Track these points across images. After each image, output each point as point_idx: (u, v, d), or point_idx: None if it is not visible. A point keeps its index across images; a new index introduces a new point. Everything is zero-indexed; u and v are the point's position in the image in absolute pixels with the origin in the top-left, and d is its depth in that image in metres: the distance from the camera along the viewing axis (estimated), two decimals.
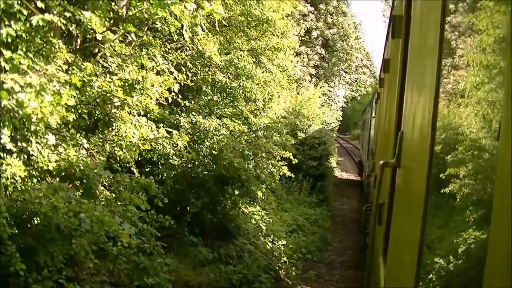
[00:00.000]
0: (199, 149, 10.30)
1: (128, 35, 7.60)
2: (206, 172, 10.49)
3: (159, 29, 8.86)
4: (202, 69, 10.75)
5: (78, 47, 7.61)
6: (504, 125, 1.26)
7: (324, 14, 31.28)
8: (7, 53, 5.35)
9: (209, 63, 10.50)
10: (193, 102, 10.67)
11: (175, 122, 9.88)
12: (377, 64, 34.81)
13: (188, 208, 10.51)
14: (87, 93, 7.04)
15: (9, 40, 5.58)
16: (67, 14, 6.46)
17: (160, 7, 6.69)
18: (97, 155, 7.55)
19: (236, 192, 11.47)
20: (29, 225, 6.06)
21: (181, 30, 7.83)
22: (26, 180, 6.13)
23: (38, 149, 6.24)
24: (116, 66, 7.46)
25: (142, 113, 8.12)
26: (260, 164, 12.04)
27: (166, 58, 8.78)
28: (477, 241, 1.54)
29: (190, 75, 9.18)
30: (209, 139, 10.42)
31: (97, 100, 7.26)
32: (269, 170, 12.50)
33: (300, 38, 27.18)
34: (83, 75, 6.81)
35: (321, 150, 21.40)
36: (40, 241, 5.97)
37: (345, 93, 38.13)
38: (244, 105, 12.07)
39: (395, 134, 4.08)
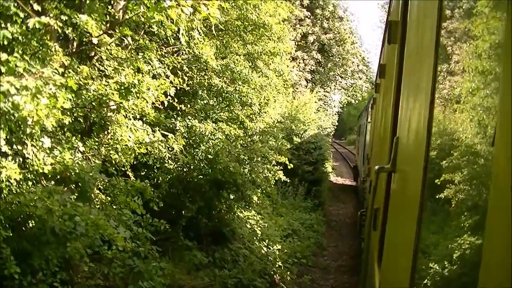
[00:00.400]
0: (194, 153, 10.28)
1: (124, 38, 7.60)
2: (202, 176, 10.47)
3: (155, 32, 8.85)
4: (198, 73, 10.75)
5: (74, 50, 7.60)
6: (499, 130, 1.26)
7: (320, 19, 31.33)
8: (3, 56, 5.34)
9: (205, 67, 10.49)
10: (189, 106, 10.65)
11: (171, 126, 9.87)
12: (373, 69, 34.86)
13: (183, 212, 10.49)
14: (83, 96, 7.03)
15: (5, 42, 5.58)
16: (64, 17, 6.45)
17: (157, 10, 6.69)
18: (93, 158, 7.53)
19: (232, 197, 11.46)
20: (24, 228, 6.04)
21: (178, 34, 7.83)
22: (21, 183, 6.10)
23: (33, 152, 6.22)
24: (112, 70, 7.45)
25: (138, 116, 8.10)
26: (256, 169, 12.03)
27: (162, 62, 8.77)
28: (472, 246, 1.54)
29: (186, 79, 9.19)
30: (204, 143, 10.40)
31: (93, 103, 7.25)
32: (264, 175, 12.49)
33: (296, 43, 27.19)
34: (79, 78, 6.80)
35: (317, 155, 21.41)
36: (35, 244, 5.95)
37: (341, 98, 38.17)
38: (240, 109, 12.07)
39: (390, 139, 4.09)
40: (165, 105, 8.46)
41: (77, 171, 6.59)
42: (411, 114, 2.83)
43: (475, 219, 1.58)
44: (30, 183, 6.31)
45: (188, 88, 9.76)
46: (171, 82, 8.10)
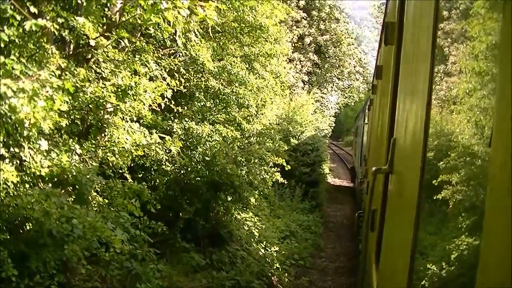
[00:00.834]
0: (192, 155, 10.28)
1: (121, 40, 7.59)
2: (199, 178, 10.48)
3: (152, 35, 8.86)
4: (195, 75, 10.75)
5: (71, 52, 7.59)
6: (496, 131, 1.26)
7: (316, 21, 31.36)
8: (0, 58, 5.34)
9: (202, 69, 10.50)
10: (186, 108, 10.66)
11: (168, 128, 9.87)
12: (370, 70, 34.89)
13: (180, 214, 10.49)
14: (80, 99, 7.02)
15: (2, 45, 5.57)
16: (60, 20, 6.45)
17: (154, 13, 6.68)
18: (90, 160, 7.52)
19: (229, 198, 11.46)
20: (21, 231, 6.03)
21: (175, 36, 7.83)
22: (18, 185, 6.09)
23: (30, 155, 6.21)
24: (109, 72, 7.45)
25: (135, 119, 8.10)
26: (253, 170, 12.03)
27: (159, 64, 8.77)
28: (470, 247, 1.54)
29: (183, 81, 9.18)
30: (202, 145, 10.40)
31: (90, 105, 7.24)
32: (262, 176, 12.49)
33: (293, 45, 27.21)
34: (76, 80, 6.80)
35: (314, 157, 21.41)
36: (32, 247, 5.94)
37: (338, 99, 38.20)
38: (237, 111, 12.07)
39: (387, 140, 4.09)
40: (162, 107, 8.45)
41: (74, 173, 6.59)
42: (408, 115, 2.83)
43: (472, 220, 1.58)
44: (27, 185, 6.30)
45: (185, 90, 9.76)
46: (168, 84, 8.10)
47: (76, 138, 7.38)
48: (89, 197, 7.23)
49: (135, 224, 7.63)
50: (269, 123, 14.39)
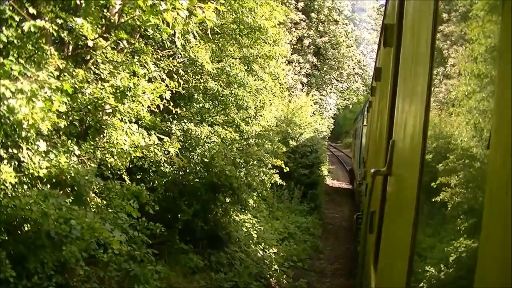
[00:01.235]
0: (190, 157, 10.28)
1: (120, 42, 7.59)
2: (198, 180, 10.47)
3: (151, 36, 8.86)
4: (194, 77, 10.76)
5: (70, 53, 7.59)
6: (494, 133, 1.26)
7: (315, 23, 31.38)
8: None
9: (201, 71, 10.51)
10: (184, 109, 10.66)
11: (167, 129, 9.87)
12: (369, 72, 34.89)
13: (179, 215, 10.48)
14: (78, 100, 7.02)
15: (1, 46, 5.57)
16: (59, 21, 6.45)
17: (153, 14, 6.68)
18: (88, 162, 7.52)
19: (228, 200, 11.46)
20: (19, 232, 6.02)
21: (173, 37, 7.83)
22: (16, 186, 6.09)
23: (29, 156, 6.20)
24: (108, 73, 7.44)
25: (134, 120, 8.10)
26: (252, 172, 12.03)
27: (158, 65, 8.77)
28: (468, 249, 1.54)
29: (182, 82, 9.17)
30: (200, 147, 10.40)
31: (89, 107, 7.24)
32: (260, 178, 12.49)
33: (292, 46, 27.21)
34: (74, 81, 6.79)
35: (313, 158, 21.41)
36: (30, 248, 5.93)
37: (337, 101, 38.22)
38: (235, 112, 12.07)
39: (386, 142, 4.09)
40: (161, 109, 8.45)
41: (73, 174, 6.58)
42: (407, 117, 2.83)
43: (471, 222, 1.58)
44: (25, 186, 6.30)
45: (184, 91, 9.76)
46: (166, 85, 8.10)
47: (75, 139, 7.37)
48: (88, 198, 7.22)
49: (134, 226, 7.62)
50: (268, 125, 14.39)
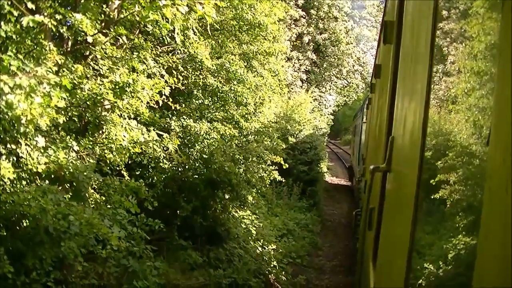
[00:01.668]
0: (189, 153, 10.28)
1: (119, 37, 7.58)
2: (197, 176, 10.47)
3: (150, 32, 8.84)
4: (193, 73, 10.74)
5: (69, 49, 7.58)
6: (493, 130, 1.26)
7: (315, 19, 31.31)
8: None
9: (200, 67, 10.49)
10: (184, 105, 10.64)
11: (166, 125, 9.86)
12: (369, 69, 34.85)
13: (178, 211, 10.48)
14: (77, 96, 7.01)
15: None
16: (58, 16, 6.43)
17: (152, 9, 6.67)
18: (87, 157, 7.51)
19: (227, 196, 11.46)
20: (17, 228, 6.02)
21: (173, 33, 7.82)
22: (15, 182, 6.08)
23: (27, 151, 6.20)
24: (107, 69, 7.43)
25: (133, 116, 8.08)
26: (251, 169, 12.03)
27: (157, 61, 8.76)
28: (467, 246, 1.54)
29: (181, 78, 9.17)
30: (199, 143, 10.40)
31: (88, 102, 7.23)
32: (259, 175, 12.49)
33: (292, 43, 27.17)
34: (73, 77, 6.78)
35: (312, 155, 21.39)
36: (28, 244, 5.93)
37: (336, 98, 38.17)
38: (235, 109, 12.06)
39: (386, 139, 4.09)
40: (160, 105, 8.44)
41: (71, 170, 6.58)
42: (407, 114, 2.83)
43: (470, 219, 1.58)
44: (24, 182, 6.29)
45: (183, 87, 9.75)
46: (166, 81, 8.09)
47: (74, 135, 7.37)
48: (86, 194, 7.21)
49: (132, 222, 7.62)
50: (267, 121, 14.38)
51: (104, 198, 7.54)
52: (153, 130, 8.53)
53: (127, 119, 7.93)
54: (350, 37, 34.42)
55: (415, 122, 2.40)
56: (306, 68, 30.45)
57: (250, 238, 12.94)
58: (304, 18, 29.71)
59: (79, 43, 7.50)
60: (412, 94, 2.74)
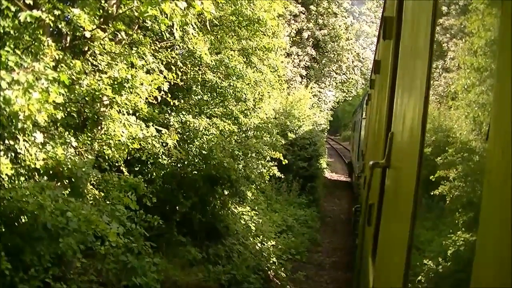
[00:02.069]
0: (188, 149, 10.27)
1: (118, 33, 7.55)
2: (196, 172, 10.47)
3: (149, 27, 8.82)
4: (192, 68, 10.72)
5: (67, 44, 7.56)
6: (493, 126, 1.25)
7: (315, 15, 31.25)
8: None
9: (199, 63, 10.47)
10: (183, 101, 10.63)
11: (165, 121, 9.85)
12: (368, 65, 34.82)
13: (177, 207, 10.48)
14: (76, 91, 6.99)
15: None
16: (56, 12, 6.40)
17: (151, 5, 6.64)
18: (86, 153, 7.50)
19: (226, 192, 11.46)
20: (15, 224, 6.00)
21: (172, 29, 7.79)
22: (13, 178, 6.07)
23: (25, 147, 6.18)
24: (106, 64, 7.41)
25: (131, 112, 8.07)
26: (250, 164, 12.03)
27: (156, 57, 8.74)
28: (466, 243, 1.53)
29: (180, 74, 9.15)
30: (199, 139, 10.39)
31: (86, 98, 7.21)
32: (259, 171, 12.50)
33: (291, 39, 27.13)
34: (72, 73, 6.76)
35: (311, 151, 21.39)
36: (26, 240, 5.91)
37: (336, 94, 38.15)
38: (234, 105, 12.04)
39: (385, 135, 4.08)
40: (159, 100, 8.42)
41: (70, 166, 6.56)
42: (406, 110, 2.82)
43: (469, 215, 1.57)
44: (22, 178, 6.28)
45: (182, 83, 9.72)
46: (164, 77, 8.07)
47: (72, 131, 7.35)
48: (85, 190, 7.20)
49: (131, 218, 7.61)
50: (267, 117, 14.36)
51: (102, 194, 7.54)
52: (152, 126, 8.52)
53: (125, 115, 7.91)
54: (349, 33, 34.35)
55: (415, 118, 2.39)
56: (305, 63, 30.41)
57: (249, 234, 12.96)
58: (303, 13, 29.68)
59: (78, 38, 7.48)
60: (411, 90, 2.73)
